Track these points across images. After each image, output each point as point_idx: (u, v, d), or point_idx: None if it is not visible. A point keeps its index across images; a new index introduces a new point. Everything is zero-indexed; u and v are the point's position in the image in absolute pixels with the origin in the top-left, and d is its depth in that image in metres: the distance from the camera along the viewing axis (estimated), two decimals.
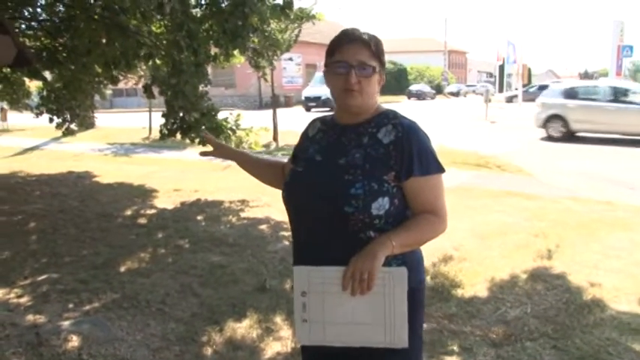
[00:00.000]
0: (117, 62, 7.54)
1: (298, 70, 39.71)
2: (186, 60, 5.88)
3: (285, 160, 2.17)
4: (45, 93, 9.92)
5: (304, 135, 1.98)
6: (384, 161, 1.71)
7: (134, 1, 5.15)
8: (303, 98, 31.59)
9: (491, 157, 11.76)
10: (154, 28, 7.65)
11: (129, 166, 12.04)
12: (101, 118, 24.95)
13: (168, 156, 13.51)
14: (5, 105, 14.66)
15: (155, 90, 7.31)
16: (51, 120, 10.05)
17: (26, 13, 8.92)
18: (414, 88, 46.30)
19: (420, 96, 44.11)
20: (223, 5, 6.34)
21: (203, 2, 6.79)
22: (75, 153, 14.53)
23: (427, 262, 4.89)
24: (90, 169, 11.47)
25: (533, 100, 20.45)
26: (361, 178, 1.68)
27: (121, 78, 9.78)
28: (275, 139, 14.91)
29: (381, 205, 1.67)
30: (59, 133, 10.41)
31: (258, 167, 2.22)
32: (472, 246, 5.53)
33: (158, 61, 7.30)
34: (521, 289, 4.38)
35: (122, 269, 5.18)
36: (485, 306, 4.07)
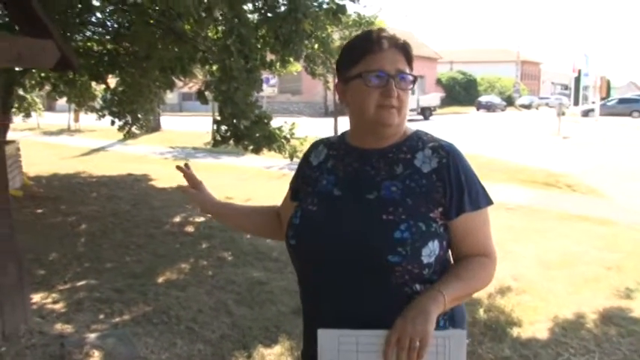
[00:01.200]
0: (173, 67, 7.48)
1: None
2: (237, 66, 5.70)
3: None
4: (108, 96, 10.11)
5: (306, 164, 1.58)
6: (427, 195, 1.37)
7: (183, 6, 4.99)
8: None
9: (561, 175, 11.01)
10: (210, 34, 7.56)
11: None
12: (168, 121, 25.74)
13: (227, 162, 13.51)
14: (75, 107, 15.10)
15: (209, 96, 7.21)
16: (113, 122, 10.22)
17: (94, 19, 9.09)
18: (483, 99, 45.05)
19: (489, 107, 42.86)
20: (279, 11, 6.13)
21: (259, 7, 6.61)
22: (137, 155, 14.78)
23: (482, 292, 4.54)
24: (148, 172, 11.58)
25: (612, 114, 19.24)
26: (404, 217, 1.33)
27: (181, 82, 9.82)
28: None
29: (431, 251, 1.34)
30: (137, 133, 10.57)
31: (243, 216, 1.80)
32: (534, 276, 5.04)
33: (213, 67, 7.19)
34: (589, 333, 3.84)
35: (160, 280, 5.04)
36: (544, 350, 3.59)
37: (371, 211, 1.36)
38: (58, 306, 4.36)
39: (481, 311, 4.21)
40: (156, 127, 21.23)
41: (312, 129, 18.69)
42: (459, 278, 1.37)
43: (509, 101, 49.30)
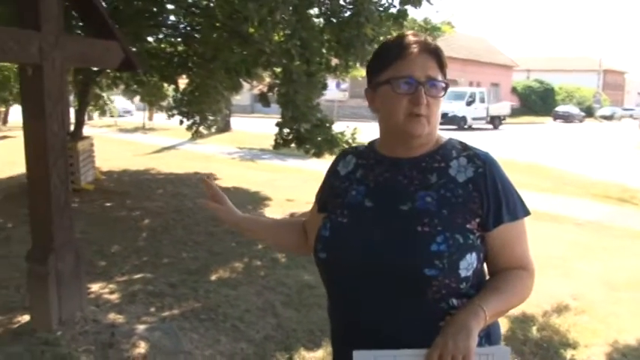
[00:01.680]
0: (238, 69, 7.63)
1: None
2: (298, 69, 5.74)
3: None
4: (178, 96, 10.44)
5: (333, 173, 1.52)
6: (464, 205, 1.31)
7: (247, 9, 5.08)
8: None
9: (638, 191, 10.42)
10: (276, 37, 7.66)
11: (251, 172, 12.28)
12: (239, 122, 26.26)
13: (292, 164, 13.62)
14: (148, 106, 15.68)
15: (272, 99, 7.32)
16: (181, 122, 10.55)
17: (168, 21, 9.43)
18: (560, 109, 43.32)
19: (566, 118, 41.18)
20: (344, 15, 6.12)
21: (324, 12, 6.63)
22: (205, 155, 15.15)
23: (537, 309, 4.35)
24: (214, 171, 11.83)
25: None
26: (441, 229, 1.28)
27: (249, 84, 10.00)
28: None
29: (469, 264, 1.29)
30: (204, 133, 10.86)
31: (266, 230, 1.75)
32: (596, 296, 4.78)
33: (276, 70, 7.28)
34: None
35: (213, 277, 5.13)
36: None
37: (405, 223, 1.31)
38: (114, 296, 4.53)
39: (534, 329, 4.03)
40: (226, 128, 21.71)
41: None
42: (499, 292, 1.32)
43: (589, 112, 47.17)
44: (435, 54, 1.36)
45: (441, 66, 1.37)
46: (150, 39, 9.73)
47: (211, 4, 7.70)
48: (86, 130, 16.12)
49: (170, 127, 20.85)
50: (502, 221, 1.33)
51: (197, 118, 10.60)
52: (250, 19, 5.89)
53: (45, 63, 3.50)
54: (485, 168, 1.34)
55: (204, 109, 10.36)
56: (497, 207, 1.32)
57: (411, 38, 1.37)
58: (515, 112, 38.54)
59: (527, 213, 1.38)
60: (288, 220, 1.80)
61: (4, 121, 22.99)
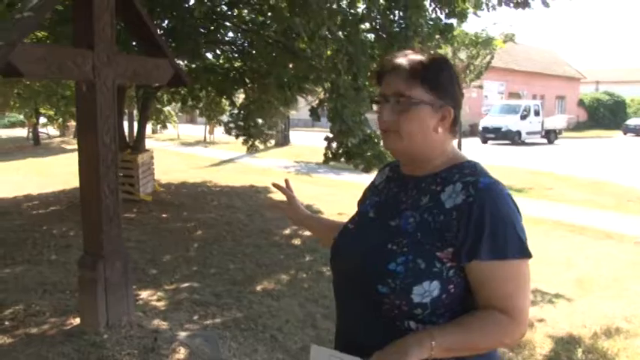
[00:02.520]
0: (290, 84, 7.78)
1: (501, 99, 38.13)
2: (345, 84, 5.80)
3: None
4: (235, 111, 10.72)
5: (371, 183, 1.59)
6: (440, 232, 1.28)
7: (294, 25, 5.21)
8: (480, 129, 27.00)
9: None
10: (329, 52, 7.77)
11: (305, 185, 12.40)
12: (299, 136, 26.57)
13: (347, 179, 13.66)
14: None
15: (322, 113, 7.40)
16: (237, 136, 10.79)
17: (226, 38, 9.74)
18: (631, 122, 41.27)
19: (638, 132, 39.37)
20: (393, 30, 6.15)
21: (374, 27, 6.69)
22: (262, 168, 15.42)
23: (584, 331, 4.21)
24: (269, 185, 12.02)
25: None
26: (406, 250, 1.28)
27: (304, 99, 10.16)
28: None
29: (426, 291, 1.25)
30: (259, 147, 11.12)
31: (326, 229, 1.76)
32: None
33: (326, 84, 7.37)
34: None
35: (257, 288, 5.23)
36: None
37: (384, 238, 1.34)
38: (160, 304, 4.70)
39: (579, 351, 3.91)
40: (284, 142, 22.03)
41: None
42: (460, 328, 1.25)
43: None
44: (405, 69, 1.34)
45: (419, 81, 1.33)
46: (208, 55, 10.10)
47: (267, 22, 7.93)
48: (149, 143, 16.76)
49: (230, 140, 21.34)
50: (477, 257, 1.25)
51: (253, 132, 10.81)
52: (300, 34, 6.03)
53: (98, 80, 3.71)
54: (476, 198, 1.27)
55: (259, 124, 10.57)
56: (475, 241, 1.25)
57: (389, 58, 1.40)
58: (581, 126, 37.14)
59: (524, 255, 1.28)
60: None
61: (75, 135, 24.20)
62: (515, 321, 1.27)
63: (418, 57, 1.36)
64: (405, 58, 1.36)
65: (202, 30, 8.06)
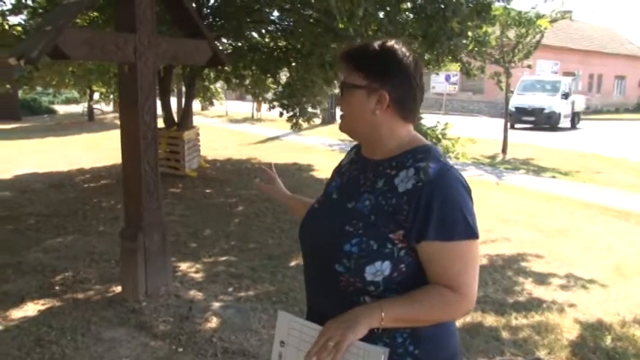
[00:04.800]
0: (331, 63, 7.83)
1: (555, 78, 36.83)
2: None
3: None
4: (279, 89, 10.86)
5: (339, 164, 1.67)
6: (391, 215, 1.35)
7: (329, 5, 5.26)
8: (512, 109, 20.29)
9: None
10: (370, 32, 7.78)
11: None
12: None
13: None
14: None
15: None
16: (281, 114, 10.93)
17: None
18: None
19: None
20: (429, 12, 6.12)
21: (413, 7, 6.65)
22: (306, 146, 15.56)
23: (615, 318, 4.19)
24: (312, 163, 12.18)
25: None
26: (361, 232, 1.37)
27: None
28: (503, 150, 14.07)
29: (378, 271, 1.34)
30: (303, 125, 11.24)
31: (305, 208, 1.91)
32: None
33: None
34: None
35: (292, 263, 5.38)
36: None
37: (342, 220, 1.42)
38: (198, 275, 4.92)
39: (608, 338, 3.88)
40: (330, 120, 22.08)
41: (488, 130, 18.21)
42: (408, 300, 1.34)
43: None
44: (345, 59, 1.45)
45: (359, 68, 1.42)
46: (254, 34, 10.24)
47: (309, 1, 7.98)
48: (198, 120, 17.14)
49: (276, 118, 21.57)
50: (425, 238, 1.32)
51: (297, 110, 10.93)
52: (340, 14, 6.06)
53: (139, 61, 3.90)
54: (425, 182, 1.34)
55: (303, 102, 10.68)
56: (423, 223, 1.32)
57: (342, 47, 1.52)
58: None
59: (470, 237, 1.35)
60: None
61: None
62: (462, 296, 1.35)
63: (361, 45, 1.46)
64: (350, 47, 1.47)
65: (247, 9, 8.18)
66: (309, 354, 1.29)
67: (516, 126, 21.00)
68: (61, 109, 29.78)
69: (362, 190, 1.45)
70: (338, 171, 1.64)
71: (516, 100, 21.31)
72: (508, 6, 8.78)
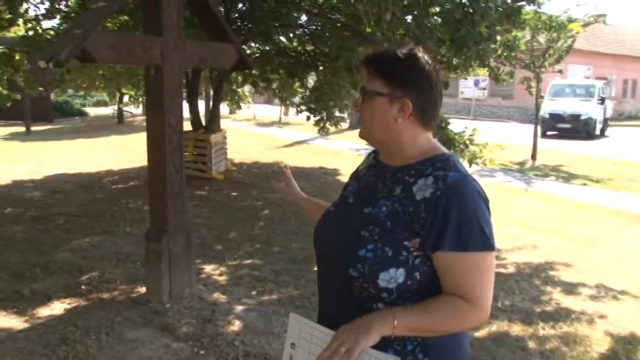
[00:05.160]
0: (358, 68, 7.81)
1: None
2: None
3: None
4: (307, 93, 10.88)
5: (356, 169, 1.66)
6: (408, 223, 1.35)
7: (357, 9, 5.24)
8: (546, 115, 19.36)
9: None
10: (398, 36, 7.74)
11: None
12: None
13: None
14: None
15: None
16: (308, 118, 10.96)
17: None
18: None
19: None
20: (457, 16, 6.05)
21: (441, 11, 6.59)
22: (333, 150, 15.55)
23: None
24: (338, 167, 12.16)
25: None
26: (376, 238, 1.36)
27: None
28: (533, 156, 13.85)
29: (392, 277, 1.32)
30: (330, 129, 11.26)
31: (321, 210, 1.82)
32: None
33: None
34: None
35: (315, 268, 5.35)
36: None
37: (358, 225, 1.41)
38: (222, 278, 4.93)
39: None
40: (358, 125, 22.05)
41: (518, 136, 17.92)
42: (422, 309, 1.33)
43: None
44: (365, 65, 1.43)
45: (380, 75, 1.40)
46: (282, 38, 10.28)
47: (337, 6, 7.99)
48: (226, 124, 17.27)
49: (304, 122, 21.64)
50: (441, 248, 1.31)
51: (324, 115, 10.94)
52: (367, 18, 6.04)
53: (165, 64, 3.93)
54: (443, 192, 1.33)
55: (330, 106, 10.68)
56: (439, 233, 1.31)
57: (364, 53, 1.48)
58: None
59: (487, 248, 1.33)
60: None
61: None
62: (476, 307, 1.34)
63: (382, 52, 1.43)
64: (372, 53, 1.44)
65: (274, 14, 8.21)
66: (321, 358, 1.28)
67: (548, 133, 19.64)
68: (92, 111, 30.36)
69: (379, 196, 1.44)
70: (355, 175, 1.63)
71: (549, 106, 19.94)
72: (539, 10, 8.64)
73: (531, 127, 15.15)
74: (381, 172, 1.50)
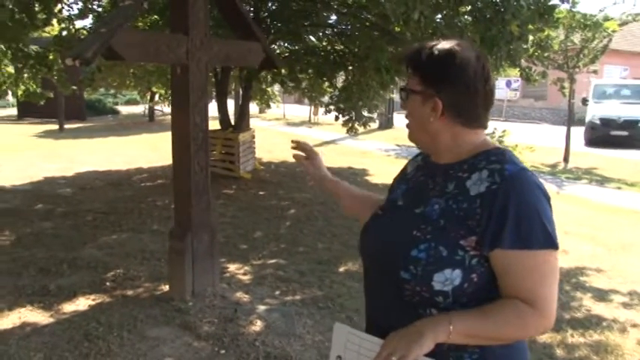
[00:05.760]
0: (388, 67, 7.75)
1: None
2: None
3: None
4: (336, 93, 10.83)
5: (403, 169, 1.59)
6: (463, 220, 1.26)
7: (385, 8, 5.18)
8: (596, 121, 16.67)
9: None
10: (427, 36, 7.65)
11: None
12: (403, 119, 26.32)
13: None
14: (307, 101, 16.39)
15: None
16: (337, 118, 10.90)
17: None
18: None
19: None
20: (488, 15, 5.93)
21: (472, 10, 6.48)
22: (363, 150, 15.48)
23: None
24: (367, 167, 12.09)
25: None
26: (429, 237, 1.28)
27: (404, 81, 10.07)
28: (565, 159, 13.55)
29: (447, 279, 1.24)
30: (358, 129, 11.20)
31: (351, 198, 1.77)
32: None
33: None
34: None
35: (341, 269, 5.32)
36: None
37: (409, 225, 1.34)
38: (245, 277, 4.92)
39: None
40: (387, 125, 21.93)
41: (551, 138, 17.59)
42: (480, 315, 1.23)
43: None
44: (408, 62, 1.38)
45: (419, 73, 1.35)
46: (312, 37, 10.25)
47: (365, 5, 7.92)
48: (255, 123, 17.33)
49: (333, 122, 21.61)
50: (499, 245, 1.23)
51: (352, 115, 10.87)
52: (396, 17, 5.97)
53: (191, 63, 3.93)
54: (500, 185, 1.24)
55: (359, 106, 10.61)
56: (497, 229, 1.22)
57: (404, 50, 1.44)
58: None
59: (550, 246, 1.24)
60: (368, 193, 1.84)
61: None
62: (539, 312, 1.24)
63: (418, 48, 1.36)
64: (409, 50, 1.39)
65: (304, 13, 8.19)
66: None
67: (595, 140, 16.55)
68: (124, 109, 30.83)
69: (430, 195, 1.37)
70: (402, 178, 1.55)
71: (598, 110, 16.94)
72: (573, 9, 8.44)
73: (564, 128, 14.81)
74: (431, 171, 1.43)
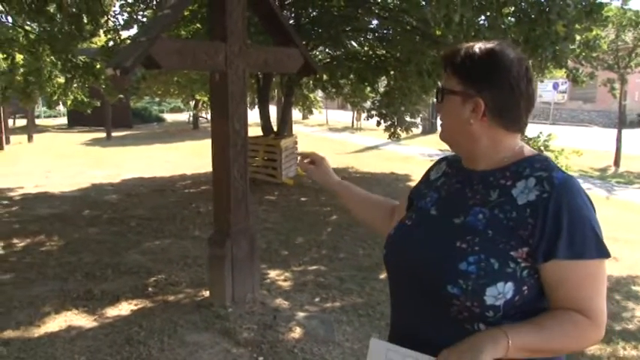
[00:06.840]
0: (430, 71, 7.65)
1: None
2: None
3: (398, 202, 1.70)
4: (378, 98, 10.78)
5: (425, 176, 1.53)
6: (513, 230, 1.21)
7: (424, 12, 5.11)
8: None
9: None
10: (469, 38, 7.52)
11: None
12: None
13: None
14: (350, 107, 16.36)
15: None
16: (379, 123, 10.84)
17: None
18: None
19: None
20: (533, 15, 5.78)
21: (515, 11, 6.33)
22: (405, 155, 15.33)
23: None
24: (410, 173, 11.95)
25: None
26: (478, 249, 1.21)
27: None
28: (616, 162, 13.10)
29: (500, 293, 1.18)
30: (401, 135, 11.13)
31: (359, 202, 1.74)
32: None
33: None
34: None
35: (381, 276, 5.24)
36: None
37: (450, 236, 1.27)
38: (286, 284, 4.90)
39: None
40: (430, 129, 21.72)
41: (601, 141, 17.04)
42: (537, 327, 1.18)
43: None
44: (447, 62, 1.33)
45: (458, 74, 1.29)
46: (353, 43, 10.23)
47: (406, 9, 7.86)
48: (298, 129, 17.41)
49: (376, 127, 21.53)
50: (555, 256, 1.17)
51: (394, 120, 10.79)
52: (436, 21, 5.89)
53: (229, 70, 3.95)
54: (551, 194, 1.19)
55: (401, 111, 10.52)
56: (552, 239, 1.17)
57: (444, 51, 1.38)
58: None
59: (602, 255, 1.20)
60: (379, 198, 1.79)
61: None
62: (595, 323, 1.20)
63: (460, 48, 1.31)
64: (450, 51, 1.33)
65: (345, 18, 8.18)
66: None
67: None
68: (169, 117, 31.49)
69: (470, 203, 1.31)
70: (428, 185, 1.48)
71: None
72: (625, 6, 8.14)
73: (614, 131, 14.32)
74: (466, 179, 1.36)
